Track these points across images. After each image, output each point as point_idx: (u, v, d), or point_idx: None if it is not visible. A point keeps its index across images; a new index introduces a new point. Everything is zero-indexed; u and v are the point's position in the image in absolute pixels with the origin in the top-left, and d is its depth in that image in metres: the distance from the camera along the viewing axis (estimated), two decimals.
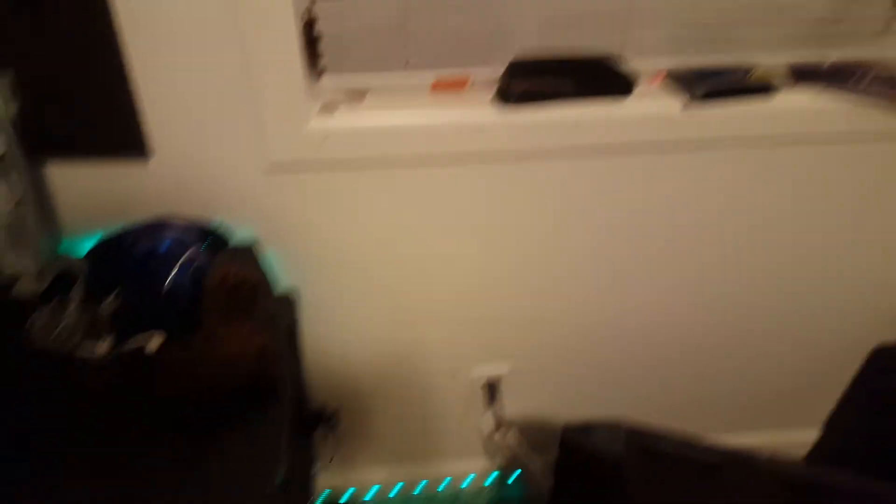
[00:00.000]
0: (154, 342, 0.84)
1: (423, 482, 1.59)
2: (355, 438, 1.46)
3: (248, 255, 0.95)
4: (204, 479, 0.70)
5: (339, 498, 1.54)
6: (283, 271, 1.07)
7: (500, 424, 1.40)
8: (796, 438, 1.59)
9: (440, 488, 1.60)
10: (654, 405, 1.45)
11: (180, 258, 0.84)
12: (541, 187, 1.08)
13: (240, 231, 1.01)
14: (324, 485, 1.54)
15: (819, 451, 1.58)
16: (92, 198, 0.96)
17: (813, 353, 1.42)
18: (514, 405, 1.41)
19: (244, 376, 0.78)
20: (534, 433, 1.43)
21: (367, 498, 1.58)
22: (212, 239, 0.94)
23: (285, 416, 0.78)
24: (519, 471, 1.51)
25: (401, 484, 1.58)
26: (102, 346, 0.84)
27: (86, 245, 0.94)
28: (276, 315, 0.89)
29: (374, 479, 1.56)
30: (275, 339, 0.82)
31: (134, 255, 0.88)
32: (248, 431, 0.76)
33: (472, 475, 1.59)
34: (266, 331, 0.81)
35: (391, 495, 1.58)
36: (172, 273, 0.83)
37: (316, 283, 1.12)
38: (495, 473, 1.60)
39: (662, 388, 1.45)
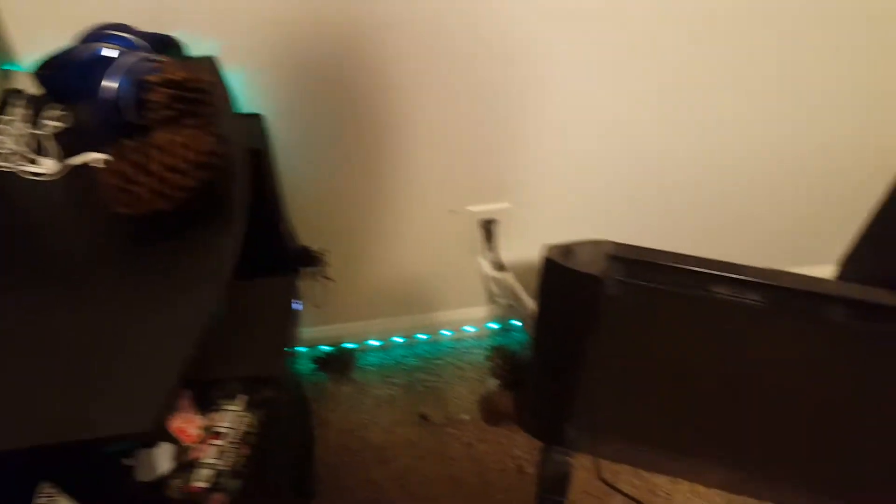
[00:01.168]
0: (100, 157, 0.79)
1: (426, 335, 1.58)
2: (351, 288, 1.43)
3: (204, 64, 0.88)
4: (141, 301, 0.66)
5: (335, 350, 1.54)
6: (255, 94, 0.99)
7: (498, 266, 1.36)
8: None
9: (441, 336, 1.59)
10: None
11: (127, 65, 0.78)
12: None
13: (203, 45, 0.93)
14: (319, 337, 1.54)
15: None
16: (39, 13, 0.89)
17: (831, 186, 1.32)
18: (513, 250, 1.36)
19: (185, 188, 0.72)
20: (532, 278, 1.38)
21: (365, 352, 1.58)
22: (166, 48, 0.87)
23: (234, 242, 0.72)
24: (518, 317, 1.48)
25: (402, 338, 1.58)
26: (48, 164, 0.80)
27: (34, 63, 0.88)
28: (234, 129, 0.82)
29: (371, 331, 1.55)
30: (226, 151, 0.76)
31: (79, 64, 0.81)
32: (194, 254, 0.71)
33: (472, 326, 1.58)
34: (215, 139, 0.75)
35: (391, 348, 1.58)
36: (118, 81, 0.77)
37: (293, 110, 1.04)
38: (496, 323, 1.58)
39: (674, 226, 1.38)
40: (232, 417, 0.91)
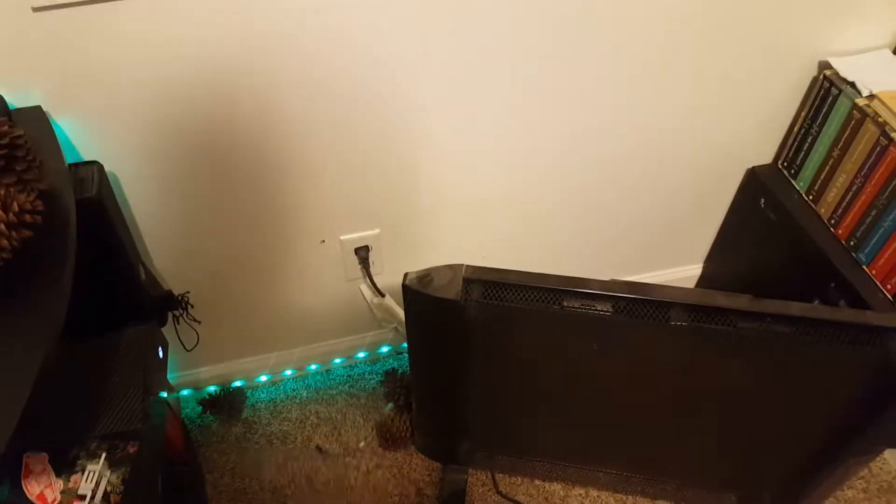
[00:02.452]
0: None
1: (317, 365, 1.56)
2: (234, 326, 1.39)
3: (28, 115, 0.83)
4: None
5: (221, 391, 1.50)
6: (94, 142, 0.95)
7: (377, 292, 1.35)
8: (683, 275, 1.62)
9: (334, 365, 1.57)
10: (531, 262, 1.42)
11: None
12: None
13: (28, 96, 0.88)
14: (207, 378, 1.49)
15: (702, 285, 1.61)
16: None
17: (690, 188, 1.39)
18: (390, 274, 1.36)
19: (3, 250, 0.68)
20: None
21: (256, 388, 1.54)
22: None
23: (60, 300, 0.68)
24: (405, 339, 1.48)
25: (293, 370, 1.55)
26: None
27: None
28: (62, 181, 0.78)
29: (261, 367, 1.51)
30: (49, 206, 0.72)
31: None
32: (14, 318, 0.66)
33: (364, 351, 1.57)
34: (34, 196, 0.71)
35: (281, 382, 1.55)
36: None
37: (140, 154, 1.00)
38: (388, 346, 1.57)
39: (543, 245, 1.41)
40: (94, 477, 0.86)
